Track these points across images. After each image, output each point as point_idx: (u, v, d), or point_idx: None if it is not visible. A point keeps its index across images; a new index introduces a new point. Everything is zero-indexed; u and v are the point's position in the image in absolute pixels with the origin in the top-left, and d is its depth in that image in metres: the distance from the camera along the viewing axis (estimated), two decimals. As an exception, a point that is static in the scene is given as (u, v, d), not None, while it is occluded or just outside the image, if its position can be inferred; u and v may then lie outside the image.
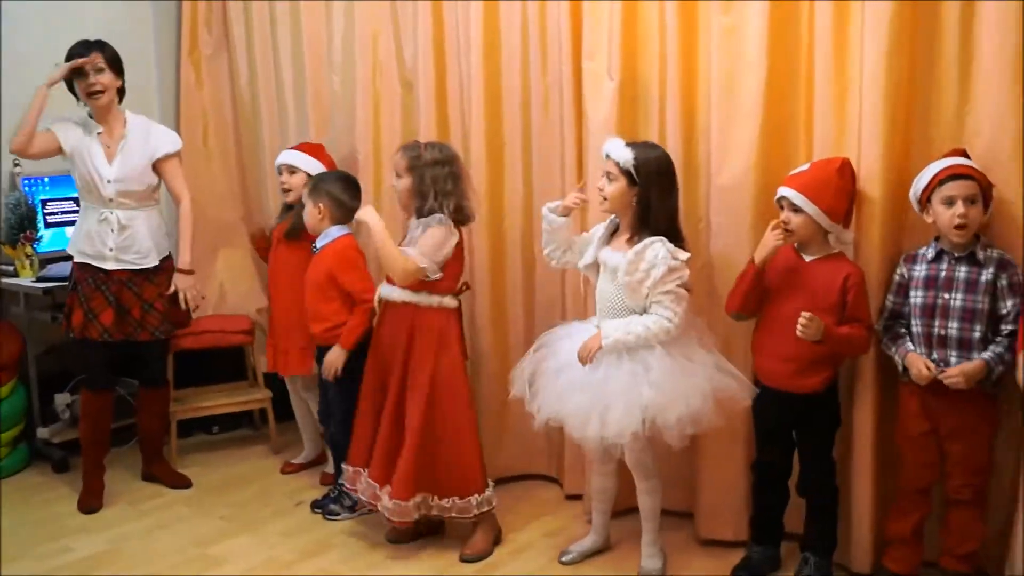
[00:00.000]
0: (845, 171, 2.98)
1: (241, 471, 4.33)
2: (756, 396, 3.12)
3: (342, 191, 3.71)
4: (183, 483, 4.15)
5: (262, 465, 4.40)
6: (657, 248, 2.98)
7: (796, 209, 2.97)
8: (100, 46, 3.76)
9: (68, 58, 3.71)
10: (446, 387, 3.38)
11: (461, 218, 3.39)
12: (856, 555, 3.21)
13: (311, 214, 3.70)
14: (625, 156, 3.04)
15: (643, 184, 3.03)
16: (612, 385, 2.99)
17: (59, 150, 3.80)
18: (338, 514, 3.81)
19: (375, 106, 4.21)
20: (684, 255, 3.01)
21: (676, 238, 3.06)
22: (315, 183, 3.73)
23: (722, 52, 3.24)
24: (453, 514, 3.41)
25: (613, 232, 3.20)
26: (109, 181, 3.78)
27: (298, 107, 4.53)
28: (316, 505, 3.89)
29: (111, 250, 3.80)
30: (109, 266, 3.82)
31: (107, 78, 3.76)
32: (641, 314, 3.03)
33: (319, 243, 3.71)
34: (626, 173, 3.04)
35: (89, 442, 3.98)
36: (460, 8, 3.91)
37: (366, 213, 3.36)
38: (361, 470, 3.49)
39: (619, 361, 3.01)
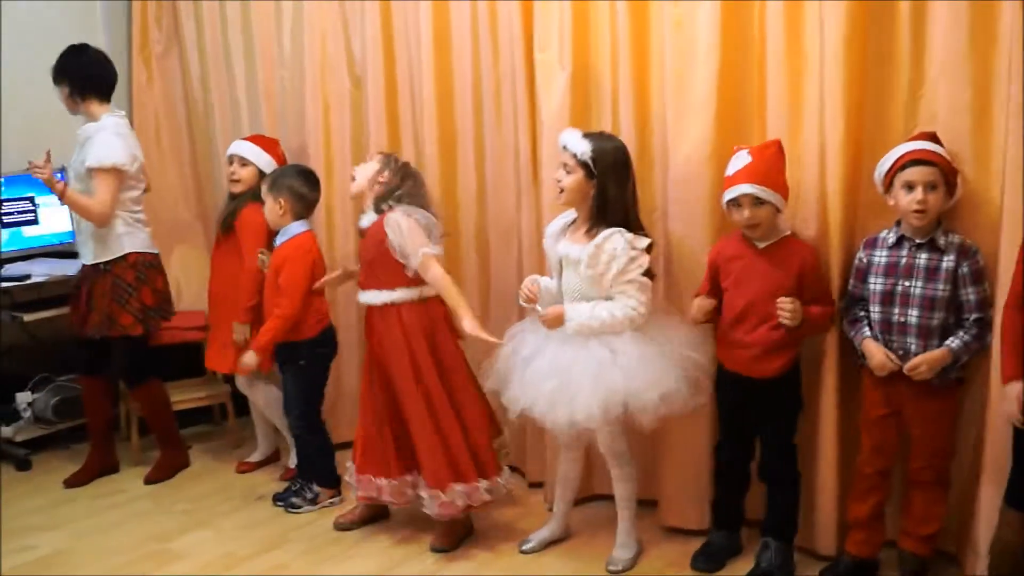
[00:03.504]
0: (781, 151, 2.84)
1: (201, 466, 4.13)
2: (718, 381, 3.00)
3: (303, 185, 3.45)
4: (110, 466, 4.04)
5: (221, 460, 4.19)
6: (616, 240, 2.82)
7: (758, 203, 2.80)
8: (56, 73, 3.67)
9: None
10: (458, 370, 3.21)
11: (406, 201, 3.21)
12: (821, 539, 3.06)
13: (271, 210, 3.44)
14: (583, 148, 2.85)
15: (601, 176, 2.86)
16: (580, 370, 2.82)
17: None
18: (300, 507, 3.60)
19: (325, 103, 4.00)
20: (644, 242, 2.85)
21: (634, 227, 2.88)
22: (275, 178, 3.47)
23: (674, 42, 3.06)
24: (487, 498, 3.18)
25: (570, 224, 3.03)
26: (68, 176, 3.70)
27: (251, 104, 4.29)
28: (277, 499, 3.67)
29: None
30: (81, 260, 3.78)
31: (62, 95, 3.69)
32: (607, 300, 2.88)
33: (279, 239, 3.47)
34: (583, 165, 2.86)
35: (88, 425, 4.00)
36: (409, 3, 3.71)
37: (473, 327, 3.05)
38: (381, 478, 3.26)
39: (587, 347, 2.85)
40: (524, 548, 3.24)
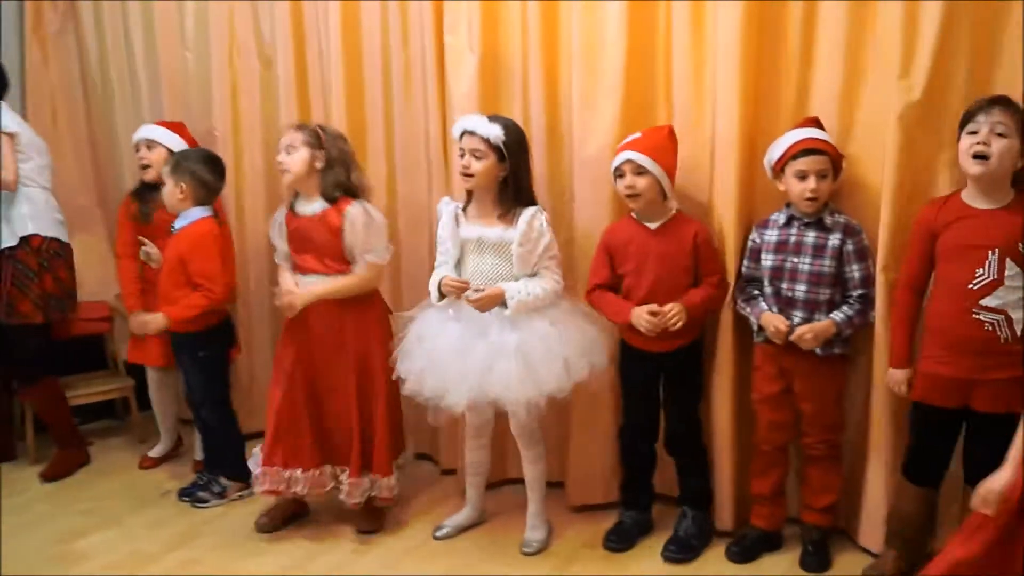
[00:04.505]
0: (672, 136, 2.91)
1: (104, 463, 3.96)
2: (622, 360, 3.04)
3: (207, 171, 3.30)
4: None
5: (125, 456, 4.02)
6: (540, 218, 2.88)
7: (640, 172, 2.84)
8: None
9: None
10: (383, 369, 3.12)
11: (361, 192, 3.14)
12: (720, 514, 3.12)
13: (171, 193, 3.29)
14: (495, 132, 2.84)
15: (513, 158, 2.87)
16: (485, 353, 2.83)
17: None
18: (207, 501, 3.48)
19: (233, 84, 3.88)
20: None
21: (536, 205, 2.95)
22: (177, 161, 3.31)
23: (583, 27, 3.06)
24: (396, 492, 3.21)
25: (464, 208, 3.01)
26: None
27: (152, 86, 4.13)
28: (183, 494, 3.54)
29: None
30: None
31: None
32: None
33: (178, 224, 3.31)
34: (496, 149, 2.85)
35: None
36: (318, -18, 3.62)
37: (310, 294, 3.06)
38: (294, 469, 3.17)
39: (491, 329, 2.85)
40: (438, 534, 3.22)
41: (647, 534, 3.15)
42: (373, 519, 3.24)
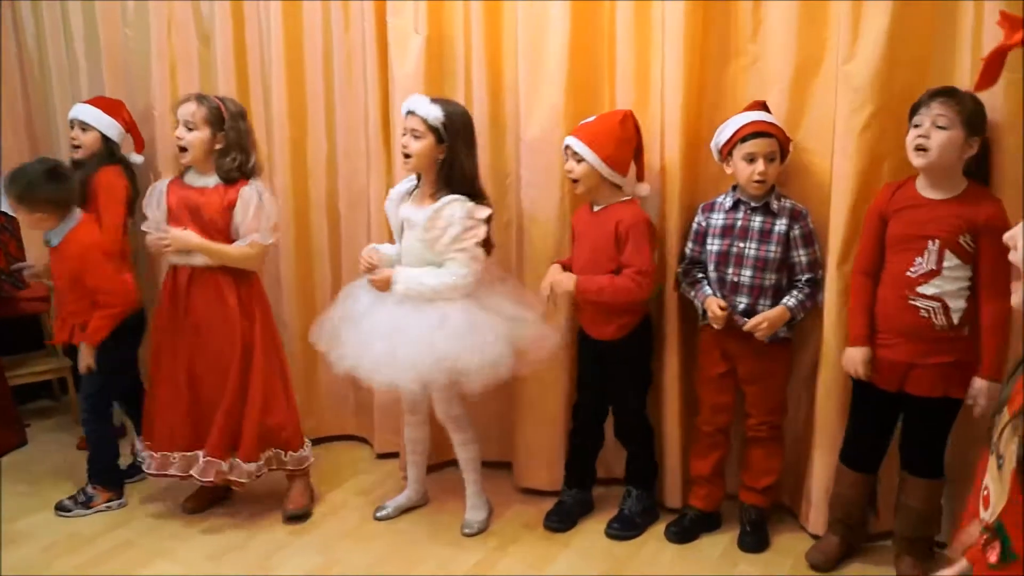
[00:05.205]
0: (627, 123, 2.86)
1: (41, 444, 3.90)
2: (578, 342, 3.06)
3: (55, 190, 3.06)
4: None
5: (62, 437, 3.96)
6: (455, 207, 2.80)
7: (578, 159, 2.85)
8: None
9: None
10: (270, 341, 3.13)
11: (256, 173, 3.09)
12: (668, 492, 3.15)
13: (34, 222, 3.09)
14: (434, 113, 2.81)
15: (451, 141, 2.83)
16: (409, 334, 2.78)
17: None
18: (70, 510, 3.28)
19: (171, 61, 3.77)
20: (484, 212, 2.84)
21: (477, 195, 2.87)
22: (21, 194, 3.03)
23: (527, 9, 3.04)
24: (290, 467, 3.18)
25: (415, 189, 2.99)
26: None
27: (91, 62, 4.01)
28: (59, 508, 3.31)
29: None
30: None
31: None
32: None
33: (53, 240, 3.11)
34: (434, 130, 2.82)
35: None
36: (259, -41, 3.53)
37: (185, 239, 2.99)
38: (175, 453, 3.12)
39: (419, 311, 2.81)
40: (378, 515, 3.20)
41: (587, 514, 3.16)
42: (295, 499, 3.21)
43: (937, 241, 2.46)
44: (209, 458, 3.06)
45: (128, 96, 3.85)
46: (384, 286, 2.85)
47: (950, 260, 2.46)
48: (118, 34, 3.93)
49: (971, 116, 2.40)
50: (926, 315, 2.49)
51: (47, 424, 4.12)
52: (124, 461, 3.49)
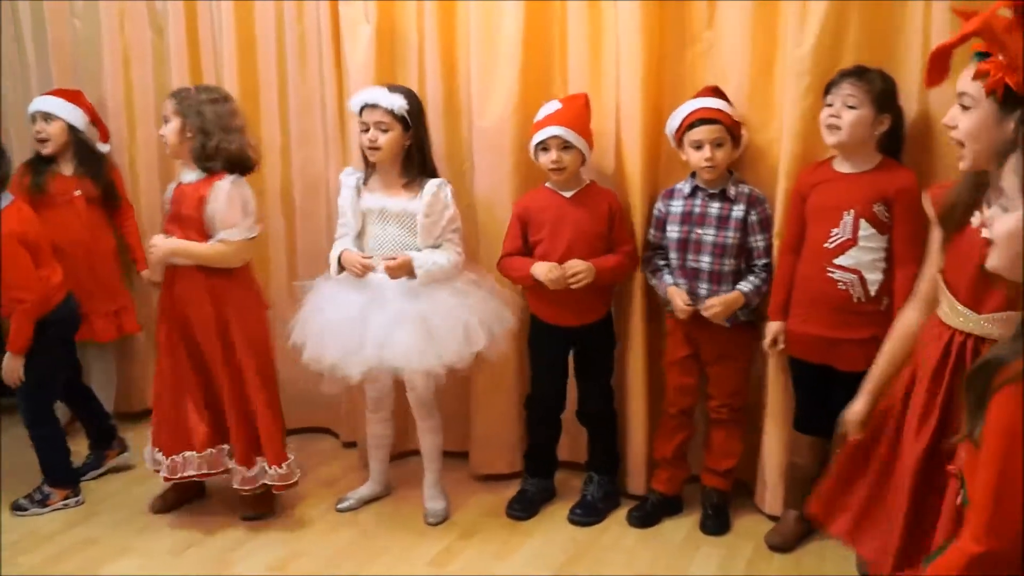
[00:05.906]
0: (588, 105, 2.91)
1: (4, 439, 3.78)
2: (533, 332, 3.05)
3: None
4: None
5: (20, 432, 3.81)
6: (446, 190, 2.88)
7: (567, 147, 2.84)
8: None
9: None
10: (263, 343, 3.04)
11: (248, 165, 2.97)
12: (632, 478, 3.16)
13: None
14: (399, 103, 2.82)
15: (416, 127, 2.86)
16: (434, 320, 2.80)
17: None
18: (26, 509, 3.21)
19: (124, 52, 3.72)
20: None
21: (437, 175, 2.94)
22: None
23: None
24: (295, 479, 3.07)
25: (368, 179, 2.97)
26: None
27: (39, 55, 3.92)
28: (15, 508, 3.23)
29: None
30: None
31: None
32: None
33: None
34: (400, 120, 2.82)
35: None
36: (210, -52, 3.49)
37: (161, 248, 2.93)
38: (191, 453, 3.03)
39: (415, 298, 2.82)
40: (340, 506, 3.18)
41: (550, 501, 3.17)
42: (259, 503, 3.12)
43: (852, 211, 2.52)
44: (240, 465, 3.01)
45: (77, 88, 3.75)
46: (402, 271, 2.82)
47: (865, 229, 2.51)
48: (67, 25, 3.85)
49: (880, 95, 2.48)
50: (844, 287, 2.54)
51: (12, 419, 3.94)
52: (78, 459, 3.43)
